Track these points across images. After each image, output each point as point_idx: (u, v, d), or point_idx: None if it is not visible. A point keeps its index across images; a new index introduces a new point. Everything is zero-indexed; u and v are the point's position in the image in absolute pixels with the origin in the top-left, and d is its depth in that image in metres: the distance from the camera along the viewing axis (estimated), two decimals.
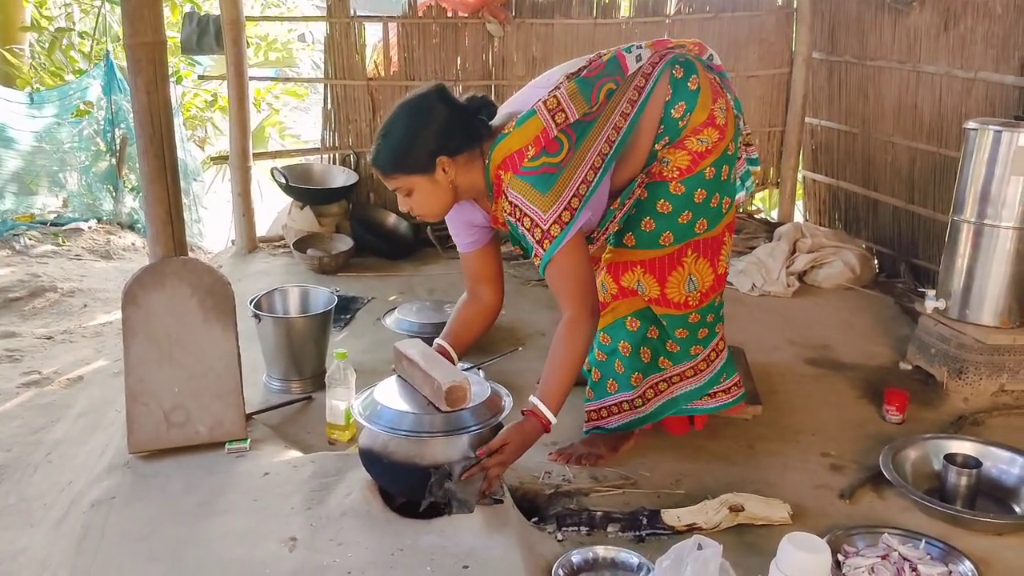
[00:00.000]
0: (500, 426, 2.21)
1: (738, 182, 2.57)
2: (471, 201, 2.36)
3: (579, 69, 2.34)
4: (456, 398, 2.11)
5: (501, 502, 2.20)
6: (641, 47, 2.40)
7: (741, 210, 2.72)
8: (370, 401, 2.21)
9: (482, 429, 2.14)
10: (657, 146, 2.37)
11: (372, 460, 2.17)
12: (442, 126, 2.18)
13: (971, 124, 3.08)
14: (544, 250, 2.17)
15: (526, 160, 2.16)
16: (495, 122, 2.26)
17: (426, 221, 2.49)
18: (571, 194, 2.17)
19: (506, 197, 2.20)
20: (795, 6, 5.08)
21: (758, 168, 2.63)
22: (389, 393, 2.22)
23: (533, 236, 2.17)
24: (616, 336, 2.49)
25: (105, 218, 6.33)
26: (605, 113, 2.28)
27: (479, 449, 2.11)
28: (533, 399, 2.23)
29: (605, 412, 2.58)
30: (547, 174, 2.15)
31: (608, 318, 2.48)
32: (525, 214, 2.17)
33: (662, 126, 2.35)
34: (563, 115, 2.20)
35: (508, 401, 2.26)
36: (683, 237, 2.41)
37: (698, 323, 2.52)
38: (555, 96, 2.23)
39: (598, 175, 2.24)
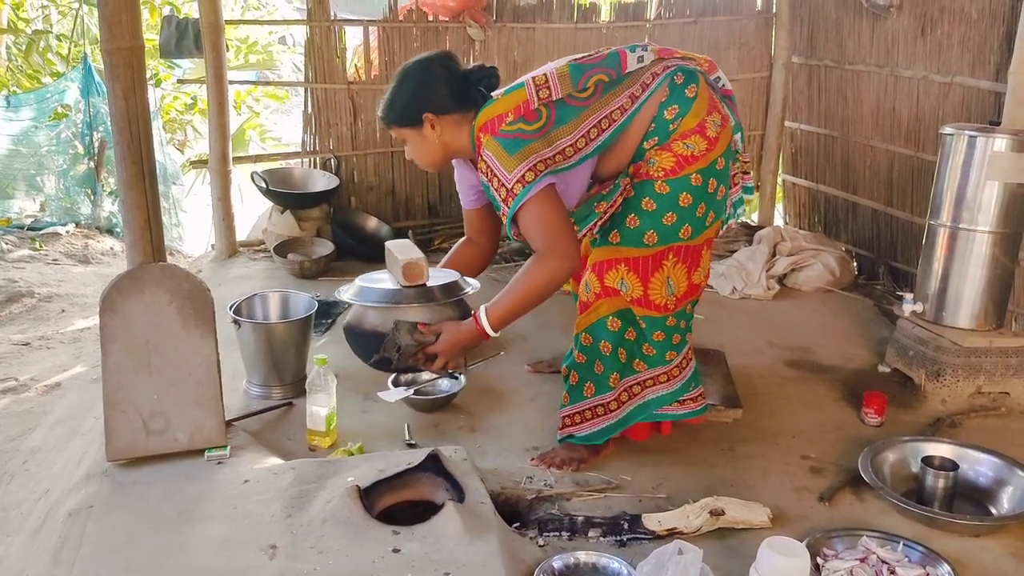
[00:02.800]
0: (463, 303, 2.59)
1: (731, 207, 2.63)
2: (468, 163, 2.57)
3: (581, 57, 2.47)
4: (412, 273, 2.46)
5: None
6: (647, 49, 2.47)
7: (723, 229, 2.77)
8: (354, 285, 2.64)
9: (435, 303, 2.50)
10: (646, 144, 2.43)
11: (349, 332, 2.60)
12: (434, 87, 2.39)
13: (947, 129, 3.11)
14: (508, 207, 2.31)
15: (504, 124, 2.31)
16: (496, 93, 2.43)
17: (426, 171, 2.86)
18: (538, 159, 2.29)
19: (482, 157, 2.35)
20: (775, 11, 5.12)
21: (752, 196, 2.67)
22: (371, 279, 2.65)
23: (499, 195, 2.32)
24: (597, 336, 2.51)
25: (83, 222, 6.29)
26: (598, 104, 2.37)
27: (420, 324, 2.42)
28: (481, 307, 2.41)
29: (579, 418, 2.59)
30: (519, 139, 2.30)
31: (591, 317, 2.52)
32: (494, 174, 2.32)
33: (653, 124, 2.41)
34: (547, 91, 2.35)
35: (471, 286, 2.62)
36: (667, 239, 2.45)
37: (674, 327, 2.56)
38: (545, 74, 2.38)
39: (579, 156, 2.36)
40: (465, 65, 2.47)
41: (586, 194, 2.55)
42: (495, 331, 2.38)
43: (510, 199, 2.29)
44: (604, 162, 2.47)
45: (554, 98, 2.34)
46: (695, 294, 2.58)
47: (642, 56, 2.44)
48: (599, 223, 2.54)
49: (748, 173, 2.67)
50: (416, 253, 2.57)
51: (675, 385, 2.60)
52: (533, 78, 2.38)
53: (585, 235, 2.58)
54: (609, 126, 2.38)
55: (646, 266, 2.47)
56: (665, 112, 2.40)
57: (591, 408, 2.57)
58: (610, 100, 2.39)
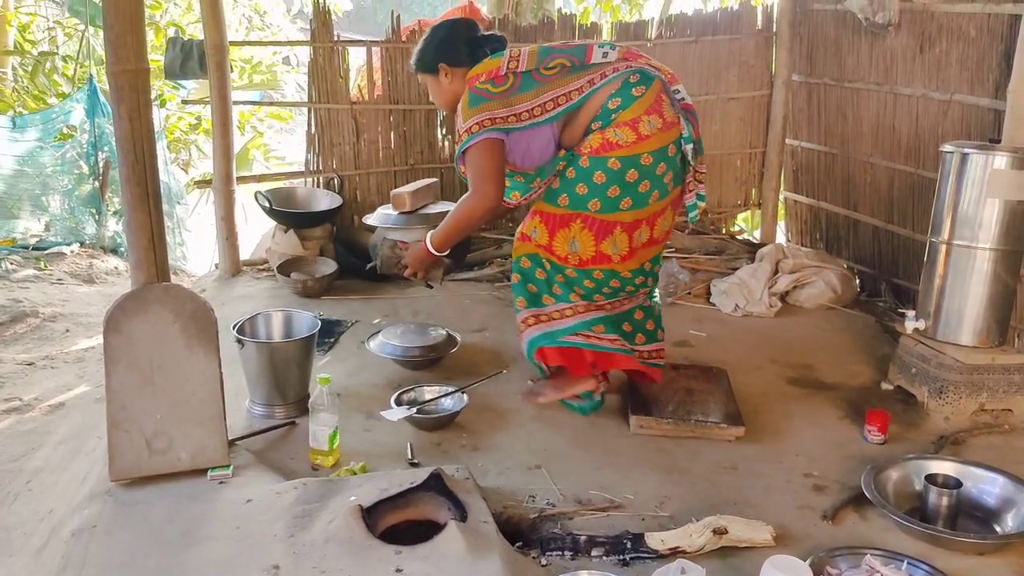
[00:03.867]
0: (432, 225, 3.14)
1: (685, 212, 2.97)
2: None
3: (556, 44, 2.92)
4: (396, 203, 3.54)
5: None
6: (614, 48, 2.85)
7: (687, 222, 3.29)
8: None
9: (408, 225, 3.51)
10: (593, 126, 2.79)
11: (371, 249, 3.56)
12: (451, 44, 2.91)
13: (947, 147, 3.13)
14: (458, 147, 2.81)
15: (477, 82, 2.79)
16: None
17: (443, 110, 3.20)
18: (488, 116, 2.74)
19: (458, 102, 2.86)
20: (775, 29, 5.14)
21: (703, 203, 2.96)
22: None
23: (458, 135, 2.82)
24: (515, 269, 2.98)
25: (88, 242, 6.31)
26: (557, 83, 2.78)
27: (400, 242, 3.10)
28: (428, 233, 2.95)
29: (522, 326, 2.95)
30: (481, 96, 2.77)
31: (515, 253, 2.98)
32: (458, 118, 2.83)
33: (600, 110, 2.77)
34: (515, 63, 2.79)
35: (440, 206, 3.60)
36: (576, 206, 2.82)
37: (575, 279, 2.89)
38: (519, 48, 2.85)
39: (532, 121, 2.78)
40: (480, 31, 2.96)
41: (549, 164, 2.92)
42: (437, 250, 2.92)
43: (459, 141, 2.81)
44: (565, 135, 2.86)
45: (520, 69, 2.78)
46: (603, 263, 2.87)
47: (607, 52, 2.82)
48: (537, 194, 2.98)
49: (702, 182, 2.94)
50: (407, 188, 3.43)
51: (585, 317, 2.89)
52: (510, 50, 2.84)
53: (528, 199, 3.04)
54: (565, 102, 2.77)
55: (554, 222, 2.86)
56: (610, 102, 2.75)
57: (521, 322, 2.95)
58: (569, 82, 2.77)
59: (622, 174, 2.74)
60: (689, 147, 2.80)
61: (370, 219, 3.50)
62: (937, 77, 4.11)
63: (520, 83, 2.77)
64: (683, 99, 2.84)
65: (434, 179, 3.73)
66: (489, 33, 2.96)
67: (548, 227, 2.87)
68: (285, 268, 4.43)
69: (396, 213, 3.46)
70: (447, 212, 3.02)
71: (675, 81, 2.85)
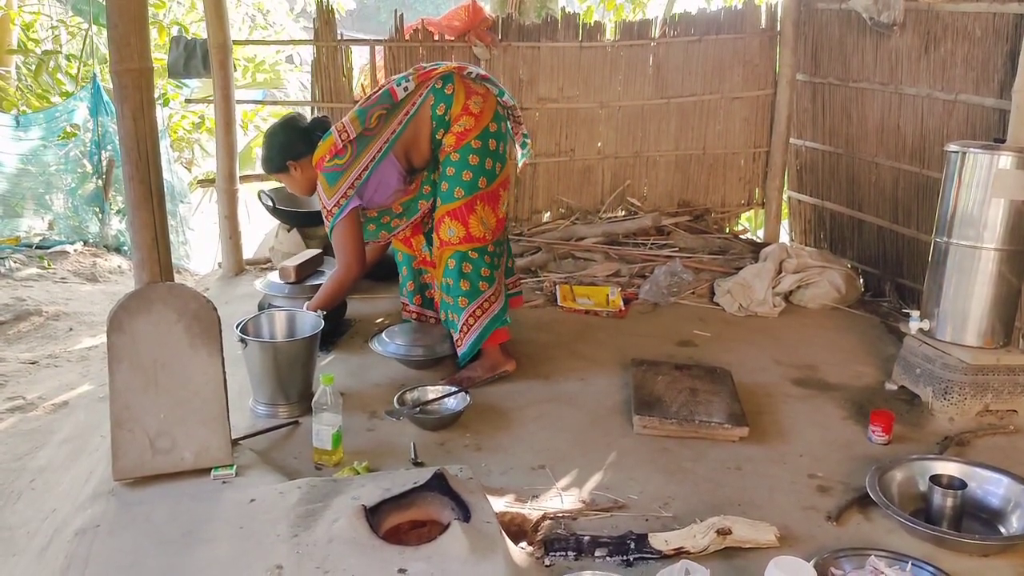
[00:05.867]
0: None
1: (518, 151, 3.50)
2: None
3: (364, 100, 3.32)
4: (282, 274, 3.72)
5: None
6: (409, 80, 3.26)
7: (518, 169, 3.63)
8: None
9: (293, 298, 3.59)
10: (438, 135, 3.27)
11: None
12: (289, 142, 3.35)
13: (952, 147, 3.12)
14: (328, 222, 3.26)
15: (325, 163, 3.21)
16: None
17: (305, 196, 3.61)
18: (347, 186, 3.20)
19: (318, 184, 3.28)
20: (779, 29, 5.13)
21: (529, 140, 3.55)
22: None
23: (324, 213, 3.27)
24: (446, 276, 3.32)
25: (91, 240, 6.32)
26: (381, 131, 3.23)
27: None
28: (306, 302, 3.37)
29: (459, 341, 3.34)
30: (335, 172, 3.20)
31: (440, 268, 3.34)
32: (320, 198, 3.27)
33: (434, 123, 3.26)
34: (345, 134, 3.20)
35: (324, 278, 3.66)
36: (470, 191, 3.25)
37: (495, 253, 3.36)
38: (343, 122, 3.24)
39: (370, 168, 3.23)
40: (306, 121, 3.43)
41: (415, 186, 3.40)
42: (314, 311, 3.26)
43: (329, 217, 3.24)
44: (413, 157, 3.33)
45: (352, 137, 3.19)
46: (503, 226, 3.41)
47: (407, 86, 3.24)
48: (422, 216, 3.46)
49: (521, 123, 3.49)
50: (293, 261, 3.78)
51: (503, 298, 3.41)
52: (336, 126, 3.24)
53: (412, 222, 3.49)
54: (391, 136, 3.24)
55: (462, 213, 3.26)
56: (437, 110, 3.23)
57: (460, 330, 3.32)
58: (391, 122, 3.24)
59: (486, 147, 3.24)
60: (506, 96, 3.37)
61: (258, 284, 3.75)
62: (942, 77, 4.10)
63: (357, 147, 3.20)
64: (477, 73, 3.34)
65: (319, 250, 4.03)
66: (312, 119, 3.47)
67: (460, 220, 3.26)
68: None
69: (282, 283, 3.69)
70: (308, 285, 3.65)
71: (463, 69, 3.33)
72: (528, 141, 3.55)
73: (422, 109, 3.25)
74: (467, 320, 3.30)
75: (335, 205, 3.21)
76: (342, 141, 3.19)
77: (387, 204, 3.41)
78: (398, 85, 3.26)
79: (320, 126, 3.37)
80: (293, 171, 3.36)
